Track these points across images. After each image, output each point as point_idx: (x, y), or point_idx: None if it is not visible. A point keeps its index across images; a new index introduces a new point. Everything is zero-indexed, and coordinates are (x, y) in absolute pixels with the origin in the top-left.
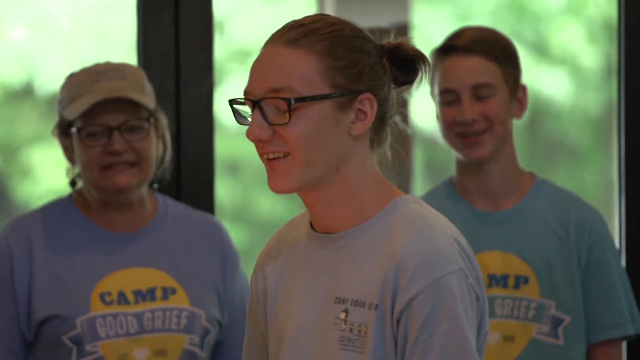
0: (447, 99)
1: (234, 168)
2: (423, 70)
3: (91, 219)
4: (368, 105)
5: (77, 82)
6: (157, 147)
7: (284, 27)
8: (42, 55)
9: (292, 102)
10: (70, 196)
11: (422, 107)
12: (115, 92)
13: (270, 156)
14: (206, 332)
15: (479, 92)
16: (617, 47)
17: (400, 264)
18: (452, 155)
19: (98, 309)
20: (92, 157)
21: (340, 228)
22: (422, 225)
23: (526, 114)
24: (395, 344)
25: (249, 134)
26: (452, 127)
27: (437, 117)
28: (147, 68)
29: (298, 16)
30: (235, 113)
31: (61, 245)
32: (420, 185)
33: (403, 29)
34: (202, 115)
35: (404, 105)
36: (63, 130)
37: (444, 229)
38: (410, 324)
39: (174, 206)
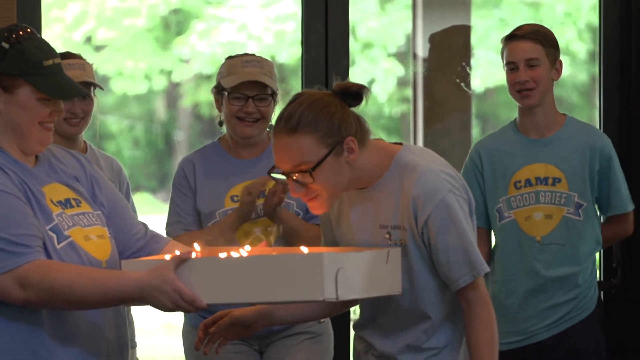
0: (511, 67)
1: None
2: (366, 95)
3: (228, 151)
4: (352, 143)
5: (233, 63)
6: (273, 113)
7: (280, 119)
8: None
9: (311, 171)
10: (219, 139)
11: (478, 77)
12: (255, 76)
13: (308, 197)
14: None
15: (530, 63)
16: None
17: (413, 200)
18: (494, 108)
19: (229, 205)
20: (233, 111)
21: (367, 186)
22: (418, 170)
23: None
24: (424, 246)
25: (291, 194)
26: (514, 85)
27: (506, 78)
28: (307, 53)
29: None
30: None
31: (210, 168)
32: (475, 124)
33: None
34: None
35: (466, 77)
36: (218, 91)
37: (432, 168)
38: (430, 233)
39: None
